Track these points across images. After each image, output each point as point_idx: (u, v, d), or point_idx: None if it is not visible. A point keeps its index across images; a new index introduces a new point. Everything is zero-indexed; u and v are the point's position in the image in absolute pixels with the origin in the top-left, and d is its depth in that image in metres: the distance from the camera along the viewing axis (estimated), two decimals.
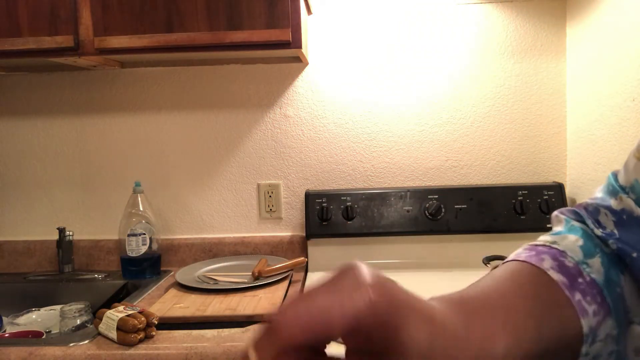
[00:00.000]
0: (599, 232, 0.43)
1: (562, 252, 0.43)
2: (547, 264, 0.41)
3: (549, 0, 1.49)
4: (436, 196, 1.46)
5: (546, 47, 1.51)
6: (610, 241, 0.42)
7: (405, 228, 1.45)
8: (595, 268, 0.41)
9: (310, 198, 1.48)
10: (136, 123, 1.57)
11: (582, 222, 0.46)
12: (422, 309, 0.30)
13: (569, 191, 1.52)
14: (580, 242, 0.43)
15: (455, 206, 1.45)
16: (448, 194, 1.46)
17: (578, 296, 0.39)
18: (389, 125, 1.54)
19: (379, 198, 1.47)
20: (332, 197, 1.47)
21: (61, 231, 1.51)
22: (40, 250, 1.59)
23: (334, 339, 0.28)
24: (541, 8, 1.49)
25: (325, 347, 0.30)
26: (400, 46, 1.52)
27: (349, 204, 1.46)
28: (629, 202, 0.42)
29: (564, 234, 0.45)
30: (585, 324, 0.38)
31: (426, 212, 1.45)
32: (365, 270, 0.29)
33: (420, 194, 1.47)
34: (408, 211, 1.46)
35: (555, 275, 0.40)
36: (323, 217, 1.45)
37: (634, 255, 0.40)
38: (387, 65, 1.52)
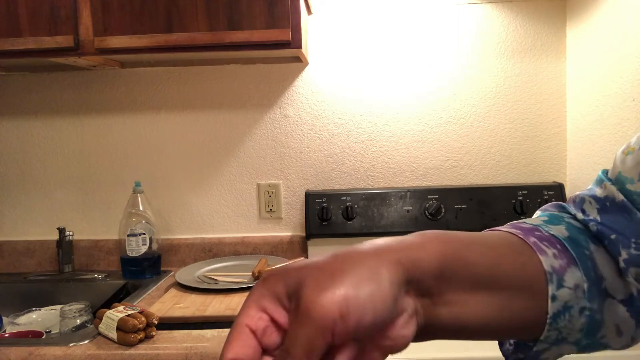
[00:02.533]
0: (581, 216, 0.44)
1: (520, 222, 0.44)
2: (499, 227, 0.42)
3: (549, 0, 1.49)
4: (436, 196, 1.46)
5: (546, 47, 1.51)
6: (591, 224, 0.42)
7: (405, 228, 1.45)
8: (556, 229, 0.42)
9: (310, 198, 1.48)
10: (136, 123, 1.57)
11: (563, 212, 0.46)
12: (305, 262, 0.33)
13: (569, 191, 1.52)
14: (545, 218, 0.44)
15: (455, 206, 1.45)
16: (448, 194, 1.47)
17: (533, 239, 0.40)
18: (389, 125, 1.54)
19: (379, 198, 1.47)
20: (332, 197, 1.47)
21: (61, 231, 1.51)
22: (40, 250, 1.59)
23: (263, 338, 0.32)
24: (541, 8, 1.49)
25: None
26: (400, 46, 1.52)
27: (349, 204, 1.46)
28: (612, 189, 0.43)
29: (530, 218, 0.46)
30: (546, 261, 0.38)
31: (426, 212, 1.45)
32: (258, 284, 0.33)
33: (420, 194, 1.47)
34: (408, 211, 1.46)
35: (507, 229, 0.41)
36: (323, 217, 1.45)
37: (612, 237, 0.41)
38: (387, 65, 1.52)
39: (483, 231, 0.42)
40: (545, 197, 1.44)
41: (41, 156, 1.60)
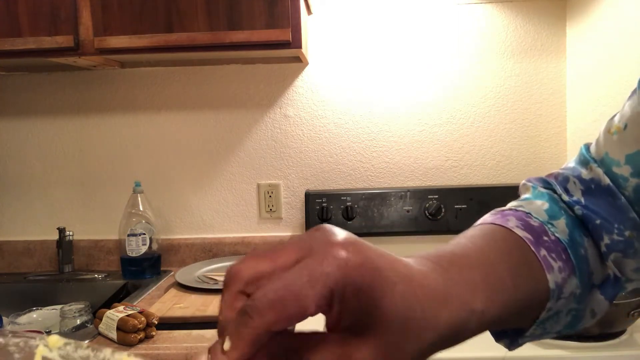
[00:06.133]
0: (566, 198, 0.44)
1: (527, 214, 0.43)
2: (512, 223, 0.42)
3: (549, 0, 1.49)
4: (436, 196, 1.46)
5: (546, 47, 1.51)
6: (576, 207, 0.43)
7: (405, 228, 1.45)
8: (560, 228, 0.42)
9: (310, 198, 1.48)
10: (136, 123, 1.57)
11: (550, 189, 0.47)
12: (399, 269, 0.29)
13: None
14: (546, 205, 0.44)
15: (455, 206, 1.45)
16: (448, 194, 1.46)
17: (543, 252, 0.40)
18: (389, 125, 1.54)
19: (379, 198, 1.47)
20: (332, 197, 1.47)
21: (61, 231, 1.51)
22: (40, 250, 1.59)
23: (310, 316, 0.27)
24: (541, 8, 1.49)
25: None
26: (400, 46, 1.52)
27: (349, 204, 1.46)
28: (599, 172, 0.43)
29: (530, 200, 0.46)
30: (551, 279, 0.39)
31: (426, 212, 1.45)
32: (336, 230, 0.29)
33: (420, 194, 1.47)
34: (408, 211, 1.46)
35: (521, 233, 0.41)
36: (323, 217, 1.45)
37: (597, 222, 0.41)
38: (387, 65, 1.52)
39: (493, 224, 0.42)
40: None
41: (41, 156, 1.60)
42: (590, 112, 1.39)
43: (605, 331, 0.96)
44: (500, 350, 0.44)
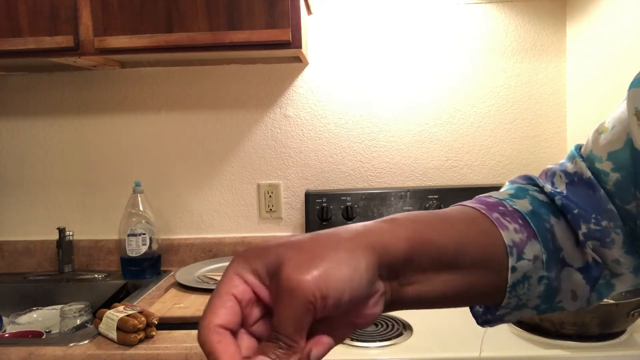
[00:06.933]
0: (548, 189, 0.46)
1: (487, 195, 0.46)
2: (467, 202, 0.44)
3: (549, 0, 1.49)
4: (436, 196, 1.46)
5: (546, 47, 1.51)
6: (557, 197, 0.45)
7: None
8: (521, 204, 0.44)
9: (310, 198, 1.48)
10: (136, 123, 1.57)
11: (531, 183, 0.49)
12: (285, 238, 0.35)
13: None
14: (512, 191, 0.47)
15: None
16: (448, 194, 1.47)
17: (496, 215, 0.42)
18: (389, 125, 1.54)
19: (379, 198, 1.47)
20: (332, 197, 1.47)
21: (61, 231, 1.51)
22: (40, 250, 1.59)
23: (245, 301, 0.33)
24: (541, 8, 1.49)
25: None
26: (400, 46, 1.52)
27: (349, 204, 1.46)
28: (582, 165, 0.45)
29: (499, 191, 0.48)
30: (506, 236, 0.40)
31: None
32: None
33: (420, 194, 1.47)
34: (408, 211, 1.46)
35: (473, 204, 0.43)
36: (323, 217, 1.45)
37: (575, 211, 0.43)
38: (387, 65, 1.52)
39: (450, 207, 0.44)
40: None
41: (41, 156, 1.60)
42: (590, 112, 1.39)
43: (605, 331, 0.96)
44: (476, 350, 0.44)
